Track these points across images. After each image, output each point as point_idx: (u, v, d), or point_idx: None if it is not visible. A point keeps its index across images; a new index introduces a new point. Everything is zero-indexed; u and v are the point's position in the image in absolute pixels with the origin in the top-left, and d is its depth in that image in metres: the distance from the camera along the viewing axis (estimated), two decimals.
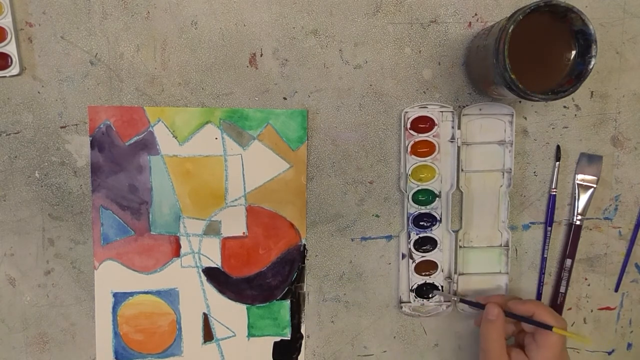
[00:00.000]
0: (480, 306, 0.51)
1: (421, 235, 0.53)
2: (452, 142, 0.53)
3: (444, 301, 0.54)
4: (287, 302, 0.54)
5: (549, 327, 0.46)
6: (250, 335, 0.54)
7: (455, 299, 0.53)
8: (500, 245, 0.54)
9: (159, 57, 0.51)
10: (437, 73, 0.52)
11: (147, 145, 0.52)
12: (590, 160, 0.54)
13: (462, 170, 0.53)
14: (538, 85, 0.43)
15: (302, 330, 0.55)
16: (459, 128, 0.52)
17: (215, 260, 0.53)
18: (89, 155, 0.51)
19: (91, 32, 0.50)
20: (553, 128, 0.54)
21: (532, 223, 0.55)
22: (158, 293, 0.53)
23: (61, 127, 0.51)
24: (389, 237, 0.54)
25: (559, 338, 0.46)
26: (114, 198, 0.52)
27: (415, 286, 0.54)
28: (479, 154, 0.53)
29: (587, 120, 0.54)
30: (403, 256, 0.54)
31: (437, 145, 0.52)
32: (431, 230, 0.53)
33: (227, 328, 0.54)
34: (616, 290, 0.56)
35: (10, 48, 0.49)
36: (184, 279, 0.53)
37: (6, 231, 0.52)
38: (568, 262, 0.54)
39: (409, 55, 0.52)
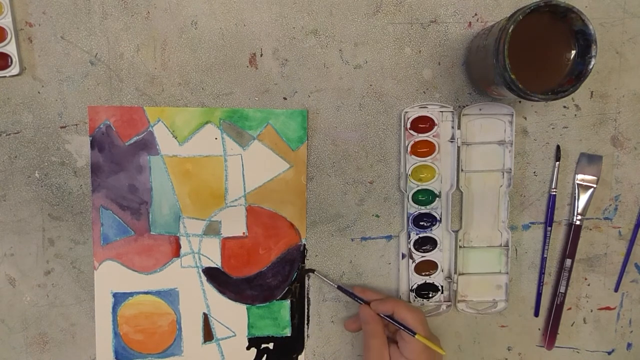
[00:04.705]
0: (354, 298, 0.52)
1: (421, 235, 0.53)
2: (452, 142, 0.53)
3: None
4: (287, 302, 0.54)
5: (412, 333, 0.47)
6: (250, 335, 0.54)
7: (334, 285, 0.53)
8: (500, 245, 0.54)
9: (159, 57, 0.51)
10: (437, 73, 0.52)
11: (147, 145, 0.52)
12: (590, 160, 0.54)
13: (462, 170, 0.53)
14: (538, 85, 0.43)
15: (303, 330, 0.55)
16: (459, 128, 0.52)
17: (215, 261, 0.53)
18: (89, 155, 0.51)
19: (91, 32, 0.50)
20: (553, 128, 0.54)
21: (532, 223, 0.55)
22: (158, 293, 0.53)
23: (61, 127, 0.51)
24: (389, 237, 0.54)
25: (421, 336, 0.47)
26: (114, 198, 0.52)
27: (415, 286, 0.54)
28: (479, 154, 0.53)
29: (587, 120, 0.54)
30: (403, 256, 0.54)
31: (437, 145, 0.52)
32: (431, 230, 0.53)
33: (227, 328, 0.54)
34: (616, 290, 0.56)
35: (10, 48, 0.49)
36: (184, 279, 0.53)
37: (6, 231, 0.52)
38: (568, 262, 0.54)
39: (409, 55, 0.52)
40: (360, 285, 0.54)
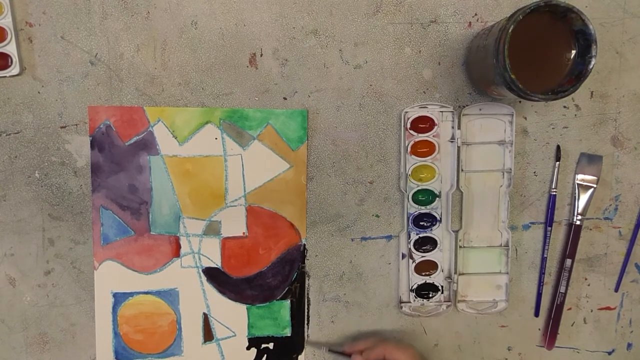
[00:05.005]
0: (346, 355, 0.52)
1: (421, 235, 0.53)
2: (452, 142, 0.53)
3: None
4: (287, 302, 0.54)
5: None
6: (250, 335, 0.54)
7: (324, 348, 0.54)
8: (500, 245, 0.54)
9: (159, 57, 0.51)
10: (437, 73, 0.52)
11: (147, 145, 0.52)
12: (590, 160, 0.54)
13: (462, 170, 0.53)
14: (538, 85, 0.43)
15: (303, 330, 0.55)
16: (459, 128, 0.52)
17: (215, 261, 0.53)
18: (89, 155, 0.51)
19: (91, 32, 0.50)
20: (553, 128, 0.54)
21: (532, 223, 0.55)
22: (158, 293, 0.53)
23: (61, 127, 0.51)
24: (389, 237, 0.54)
25: None
26: (114, 198, 0.52)
27: (415, 286, 0.54)
28: (479, 154, 0.53)
29: (587, 120, 0.54)
30: (403, 256, 0.54)
31: (437, 145, 0.52)
32: (431, 230, 0.53)
33: (227, 328, 0.54)
34: (616, 290, 0.56)
35: (10, 48, 0.49)
36: (184, 279, 0.53)
37: (6, 231, 0.52)
38: (568, 262, 0.54)
39: (409, 55, 0.52)
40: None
